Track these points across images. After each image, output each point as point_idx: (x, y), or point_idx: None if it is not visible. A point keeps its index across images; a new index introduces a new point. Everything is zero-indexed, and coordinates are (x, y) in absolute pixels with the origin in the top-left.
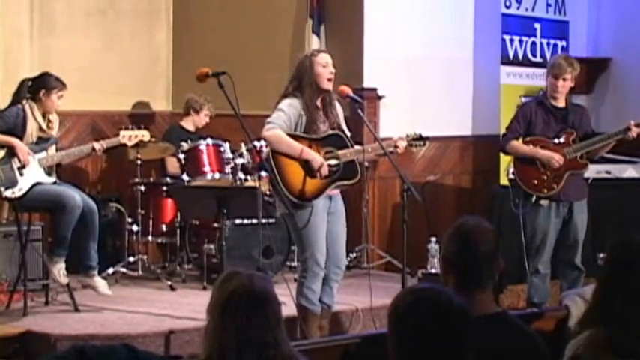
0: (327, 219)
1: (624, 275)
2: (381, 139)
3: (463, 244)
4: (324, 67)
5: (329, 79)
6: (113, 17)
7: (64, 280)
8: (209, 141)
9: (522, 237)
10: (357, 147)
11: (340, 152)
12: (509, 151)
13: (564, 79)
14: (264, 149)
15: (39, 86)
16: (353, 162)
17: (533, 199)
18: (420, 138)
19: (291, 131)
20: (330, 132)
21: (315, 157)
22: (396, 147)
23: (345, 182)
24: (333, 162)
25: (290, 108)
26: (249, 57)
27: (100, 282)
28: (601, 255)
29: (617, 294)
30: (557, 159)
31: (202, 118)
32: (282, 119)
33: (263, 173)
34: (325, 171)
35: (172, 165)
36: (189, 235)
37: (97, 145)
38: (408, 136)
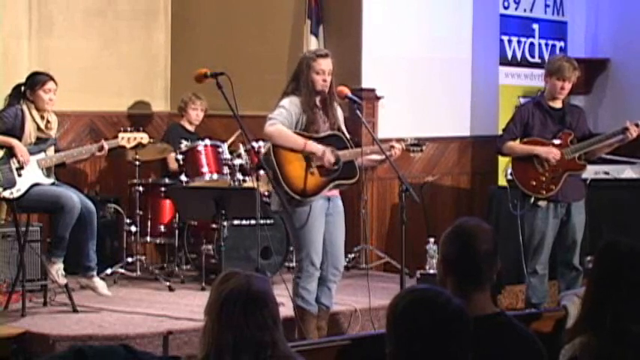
0: (325, 220)
1: (613, 283)
2: (379, 140)
3: (463, 245)
4: (318, 74)
5: (321, 86)
6: (111, 18)
7: (63, 280)
8: (207, 142)
9: (520, 238)
10: (356, 148)
11: (340, 152)
12: (505, 152)
13: (569, 81)
14: (263, 150)
15: (26, 88)
16: (352, 162)
17: (532, 200)
18: (418, 144)
19: (292, 129)
20: (330, 132)
21: (319, 147)
22: (392, 147)
23: (344, 182)
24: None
25: (291, 105)
26: (247, 58)
27: (98, 283)
28: (588, 258)
29: (606, 301)
30: (554, 152)
31: (192, 114)
32: (284, 115)
33: (261, 173)
34: (331, 157)
35: (174, 161)
36: (188, 235)
37: (106, 144)
38: (405, 141)
